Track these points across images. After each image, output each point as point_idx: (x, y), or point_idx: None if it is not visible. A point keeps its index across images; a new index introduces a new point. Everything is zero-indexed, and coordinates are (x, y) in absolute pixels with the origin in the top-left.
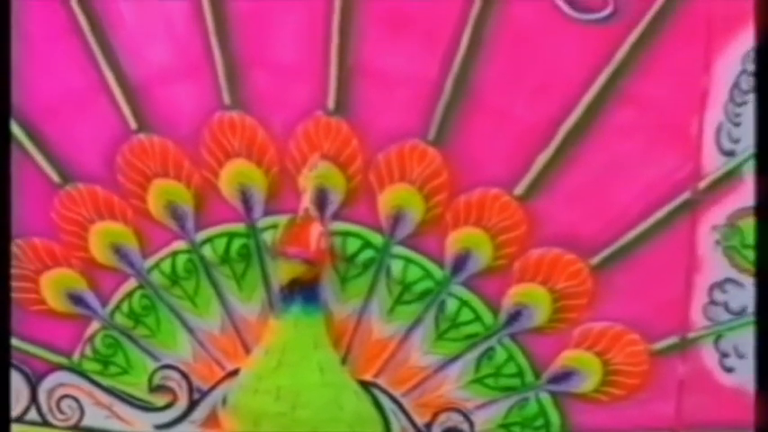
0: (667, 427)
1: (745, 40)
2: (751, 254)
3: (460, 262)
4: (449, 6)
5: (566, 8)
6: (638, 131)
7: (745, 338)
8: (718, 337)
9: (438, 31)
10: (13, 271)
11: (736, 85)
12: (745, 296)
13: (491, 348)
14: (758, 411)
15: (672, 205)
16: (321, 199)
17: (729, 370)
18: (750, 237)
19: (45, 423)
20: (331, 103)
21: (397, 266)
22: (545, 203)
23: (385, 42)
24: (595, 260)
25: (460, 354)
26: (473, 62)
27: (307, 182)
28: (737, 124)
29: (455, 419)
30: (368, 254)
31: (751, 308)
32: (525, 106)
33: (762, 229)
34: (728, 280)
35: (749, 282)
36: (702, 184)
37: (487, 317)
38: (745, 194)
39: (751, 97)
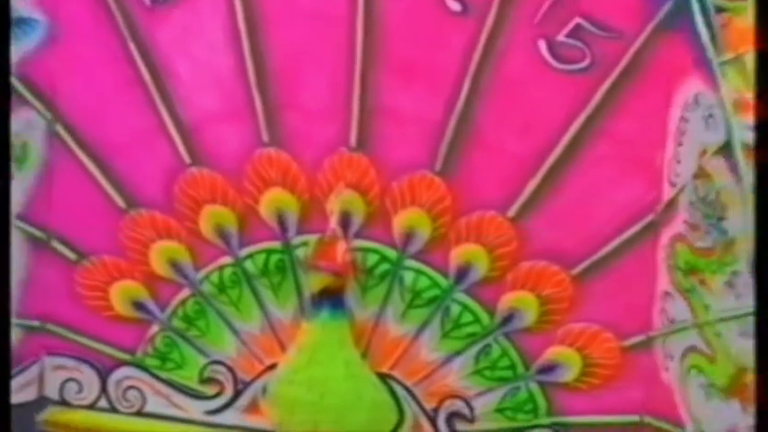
0: (636, 412)
1: (685, 91)
2: (681, 274)
3: (462, 273)
4: (452, 58)
5: (551, 60)
6: (611, 163)
7: (676, 344)
8: (664, 340)
9: (443, 80)
10: (87, 282)
11: (678, 128)
12: (677, 308)
13: (488, 345)
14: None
15: (639, 225)
16: (345, 221)
17: (666, 369)
18: (681, 259)
19: (113, 410)
20: (353, 141)
21: (408, 277)
22: (533, 223)
23: (398, 89)
24: (576, 271)
25: (462, 350)
26: (472, 105)
27: (333, 206)
28: (679, 161)
29: (458, 405)
30: (384, 267)
31: (679, 317)
32: (516, 142)
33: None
34: (667, 293)
35: (679, 296)
36: (660, 208)
37: (485, 319)
38: (679, 222)
39: (686, 138)
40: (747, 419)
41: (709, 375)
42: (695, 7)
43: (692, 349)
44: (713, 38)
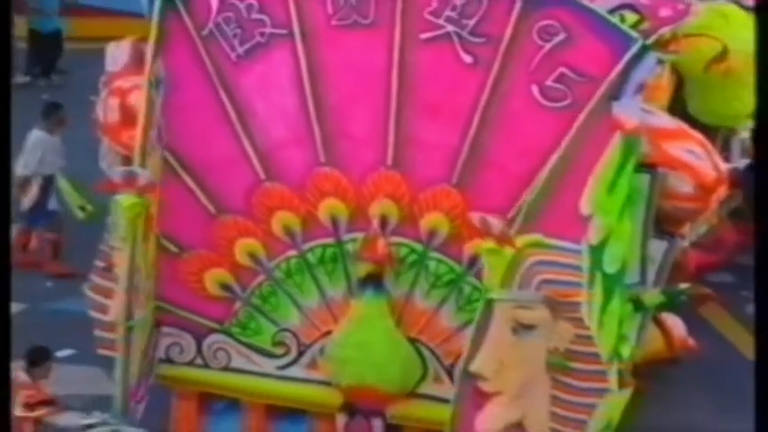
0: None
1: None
2: None
3: (472, 262)
4: (465, 98)
5: (541, 100)
6: (584, 175)
7: None
8: None
9: (458, 115)
10: (187, 270)
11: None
12: None
13: None
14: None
15: None
16: (383, 222)
17: None
18: None
19: (206, 366)
20: (389, 161)
21: (432, 265)
22: (529, 222)
23: (424, 122)
24: None
25: (472, 320)
26: (481, 134)
27: (375, 211)
28: None
29: None
30: (413, 257)
31: None
32: (515, 162)
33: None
34: None
35: None
36: None
37: None
38: None
39: None
40: None
41: None
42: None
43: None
44: None
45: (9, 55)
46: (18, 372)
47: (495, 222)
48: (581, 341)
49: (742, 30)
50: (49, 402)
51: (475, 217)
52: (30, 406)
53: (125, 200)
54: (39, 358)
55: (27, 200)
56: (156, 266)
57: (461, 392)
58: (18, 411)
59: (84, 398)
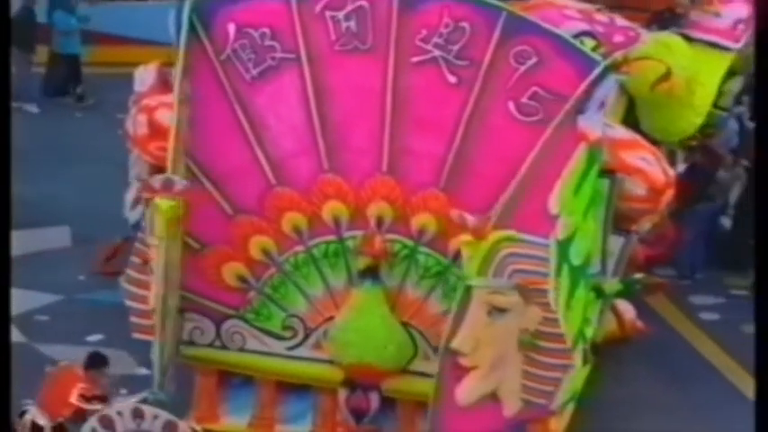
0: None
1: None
2: None
3: (457, 255)
4: (451, 114)
5: (517, 115)
6: (552, 179)
7: None
8: None
9: (445, 128)
10: (207, 263)
11: None
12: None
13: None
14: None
15: None
16: (379, 222)
17: None
18: None
19: (224, 348)
20: (384, 168)
21: (421, 258)
22: (505, 221)
23: (414, 134)
24: None
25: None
26: (465, 145)
27: (372, 212)
28: None
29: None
30: (405, 252)
31: None
32: (493, 169)
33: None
34: None
35: None
36: None
37: None
38: None
39: None
40: None
41: None
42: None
43: None
44: None
45: (8, 56)
46: (76, 367)
47: (471, 218)
48: (548, 323)
49: (682, 58)
50: (103, 399)
51: (454, 213)
52: (86, 398)
53: (163, 203)
54: (96, 363)
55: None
56: (181, 261)
57: (443, 367)
58: (74, 399)
59: (113, 377)
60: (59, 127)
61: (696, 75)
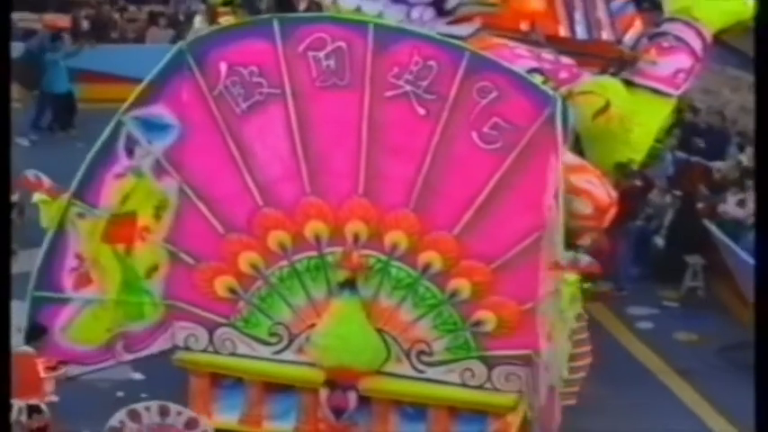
0: (529, 348)
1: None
2: None
3: (425, 268)
4: (420, 142)
5: (479, 143)
6: (515, 202)
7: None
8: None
9: (414, 155)
10: (200, 277)
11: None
12: None
13: (441, 311)
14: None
15: (529, 240)
16: (356, 238)
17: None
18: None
19: (216, 353)
20: (361, 191)
21: (394, 271)
22: (468, 239)
23: (387, 160)
24: (493, 266)
25: (425, 314)
26: (433, 170)
27: (350, 230)
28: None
29: (423, 346)
30: (379, 265)
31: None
32: (458, 190)
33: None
34: None
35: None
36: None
37: (439, 295)
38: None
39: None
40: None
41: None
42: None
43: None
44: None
45: (8, 57)
46: (23, 348)
47: (585, 259)
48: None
49: (616, 97)
50: (63, 362)
51: (567, 255)
52: (51, 368)
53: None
54: (36, 334)
55: None
56: (177, 275)
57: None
58: (43, 374)
59: (111, 381)
60: (52, 156)
61: (634, 115)
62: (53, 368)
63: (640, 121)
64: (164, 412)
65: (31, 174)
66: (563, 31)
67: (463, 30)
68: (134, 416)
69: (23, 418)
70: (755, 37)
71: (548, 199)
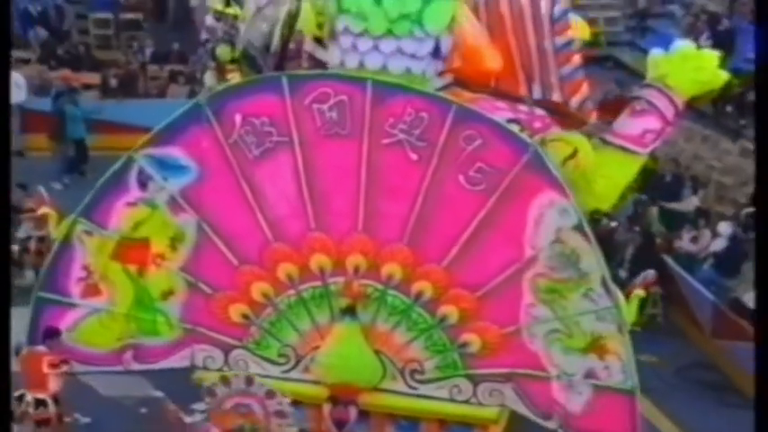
0: (509, 367)
1: (541, 198)
2: (541, 293)
3: (418, 296)
4: (413, 184)
5: (465, 185)
6: (496, 238)
7: (539, 328)
8: (528, 328)
9: (408, 196)
10: (216, 305)
11: (535, 219)
12: (538, 311)
13: (431, 334)
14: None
15: (510, 270)
16: (356, 270)
17: (531, 342)
18: (542, 285)
19: (231, 371)
20: (360, 227)
21: (389, 299)
22: (455, 269)
23: (384, 201)
24: (477, 294)
25: (417, 336)
26: (425, 208)
27: (350, 263)
28: (536, 236)
29: (415, 365)
30: (377, 294)
31: (541, 315)
32: (447, 228)
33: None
34: (530, 304)
35: (540, 304)
36: (522, 263)
37: (429, 320)
38: (540, 267)
39: (542, 224)
40: (602, 365)
41: (566, 343)
42: (544, 159)
43: (554, 331)
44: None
45: (8, 57)
46: (35, 348)
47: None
48: None
49: (582, 148)
50: (66, 362)
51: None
52: (54, 365)
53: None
54: (51, 334)
55: None
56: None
57: None
58: (46, 370)
59: (132, 398)
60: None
61: (598, 167)
62: (56, 365)
63: (606, 174)
64: (249, 382)
65: (40, 190)
66: (522, 91)
67: (438, 82)
68: (225, 381)
69: (31, 409)
70: (756, 38)
71: (527, 235)
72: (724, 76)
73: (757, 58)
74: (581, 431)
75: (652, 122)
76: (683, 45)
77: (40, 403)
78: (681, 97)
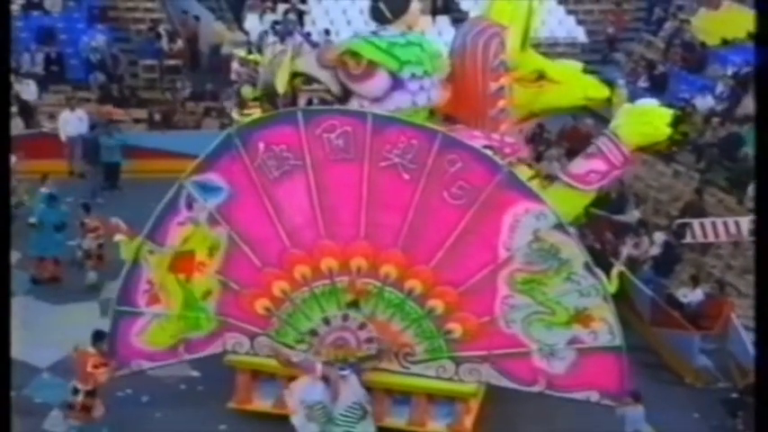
0: (484, 350)
1: (516, 208)
2: (518, 285)
3: (410, 291)
4: (405, 200)
5: (449, 199)
6: (474, 243)
7: (517, 314)
8: (504, 317)
9: (401, 210)
10: (244, 300)
11: (510, 225)
12: (516, 300)
13: (421, 323)
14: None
15: (486, 270)
16: (359, 271)
17: (509, 327)
18: (519, 278)
19: (255, 355)
20: (362, 235)
21: (386, 295)
22: (441, 270)
23: (382, 213)
24: (459, 290)
25: (410, 326)
26: (415, 219)
27: (354, 265)
28: (511, 239)
29: (408, 349)
30: (376, 290)
31: (519, 302)
32: (433, 236)
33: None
34: (506, 296)
35: (518, 294)
36: (498, 263)
37: (419, 311)
38: (516, 264)
39: (518, 229)
40: (586, 332)
41: (548, 320)
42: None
43: (534, 313)
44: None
45: (8, 55)
46: (86, 349)
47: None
48: None
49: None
50: (105, 364)
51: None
52: (96, 366)
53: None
54: (97, 339)
55: None
56: (226, 298)
57: None
58: (90, 369)
59: (176, 377)
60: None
61: (551, 199)
62: (98, 366)
63: (557, 206)
64: (345, 318)
65: (113, 220)
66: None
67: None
68: (327, 321)
69: (79, 398)
70: (755, 38)
71: (501, 240)
72: (667, 131)
73: (757, 61)
74: (565, 387)
75: (598, 165)
76: (646, 101)
77: (89, 394)
78: (628, 147)
